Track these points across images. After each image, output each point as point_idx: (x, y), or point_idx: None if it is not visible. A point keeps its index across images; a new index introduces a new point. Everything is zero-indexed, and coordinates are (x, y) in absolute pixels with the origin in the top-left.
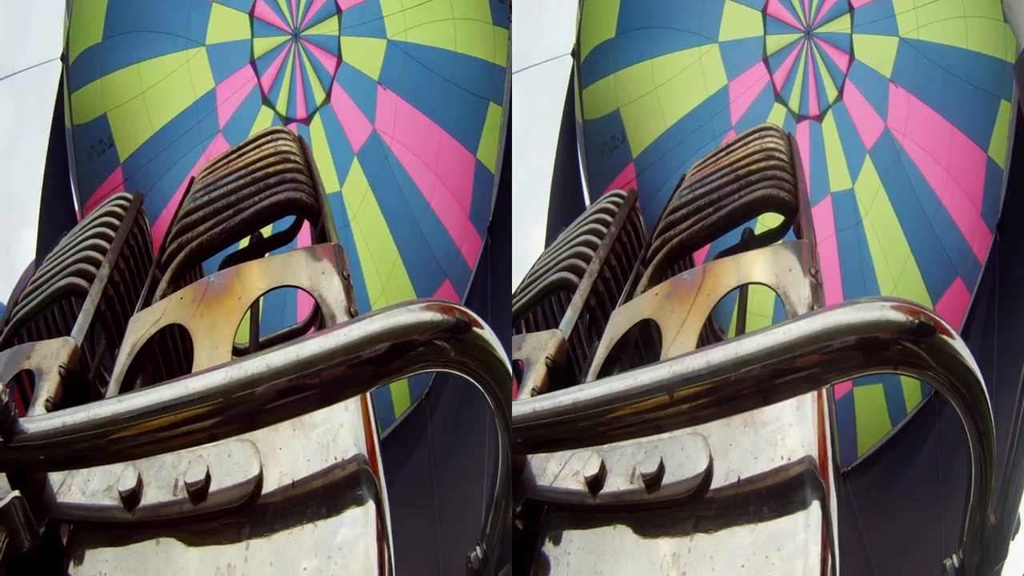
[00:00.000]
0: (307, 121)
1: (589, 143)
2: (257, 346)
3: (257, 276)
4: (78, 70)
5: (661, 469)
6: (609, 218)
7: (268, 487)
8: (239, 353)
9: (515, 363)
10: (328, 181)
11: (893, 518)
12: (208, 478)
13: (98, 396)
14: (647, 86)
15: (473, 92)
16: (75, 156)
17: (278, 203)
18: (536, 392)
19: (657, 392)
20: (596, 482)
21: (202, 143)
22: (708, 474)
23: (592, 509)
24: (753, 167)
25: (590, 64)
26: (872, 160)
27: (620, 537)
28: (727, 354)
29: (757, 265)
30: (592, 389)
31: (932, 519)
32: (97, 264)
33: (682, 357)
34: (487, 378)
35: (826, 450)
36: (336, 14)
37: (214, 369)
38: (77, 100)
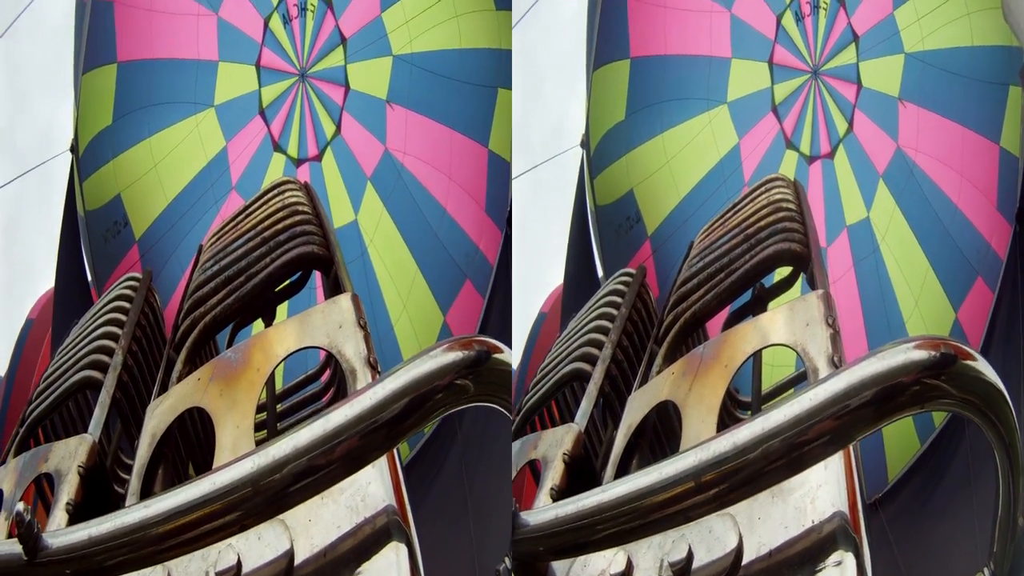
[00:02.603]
0: (319, 158)
1: (604, 228)
2: (275, 405)
3: (275, 343)
4: (89, 156)
5: (690, 556)
6: (619, 299)
7: (300, 558)
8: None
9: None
10: (343, 212)
11: (928, 538)
12: (239, 564)
13: (118, 483)
14: (659, 161)
15: (481, 84)
16: (90, 242)
17: (290, 261)
18: (556, 491)
19: (683, 482)
20: None
21: (216, 204)
22: (739, 552)
23: None
24: (762, 223)
25: (602, 150)
26: (886, 183)
27: None
28: (753, 432)
29: (774, 325)
30: (615, 488)
31: (966, 533)
32: (110, 353)
33: (707, 443)
34: (509, 400)
35: (856, 500)
36: (341, 43)
37: (240, 460)
38: (89, 186)
